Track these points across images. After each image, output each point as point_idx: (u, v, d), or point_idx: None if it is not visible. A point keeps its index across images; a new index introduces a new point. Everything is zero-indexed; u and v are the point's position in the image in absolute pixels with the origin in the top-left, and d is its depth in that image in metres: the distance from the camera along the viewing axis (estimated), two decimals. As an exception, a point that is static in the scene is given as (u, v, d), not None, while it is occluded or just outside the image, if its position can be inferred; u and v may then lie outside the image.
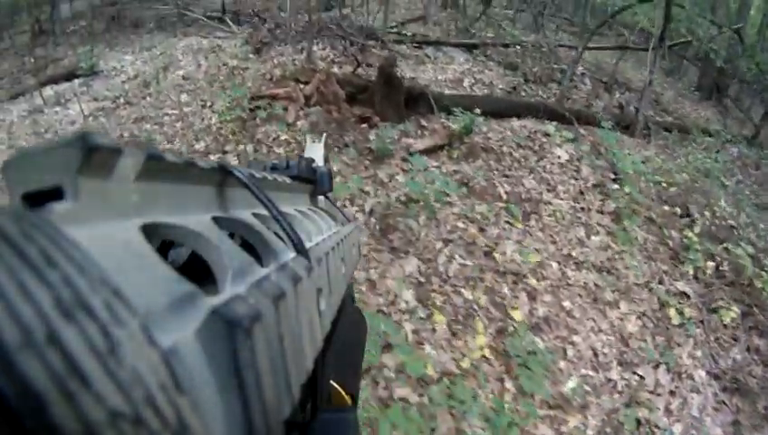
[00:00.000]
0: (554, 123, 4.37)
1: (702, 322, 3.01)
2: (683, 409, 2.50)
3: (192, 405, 0.11)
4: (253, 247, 0.20)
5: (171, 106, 4.46)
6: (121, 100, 4.96)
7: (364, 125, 3.85)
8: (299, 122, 3.74)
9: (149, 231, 0.14)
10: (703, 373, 2.72)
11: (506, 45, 6.47)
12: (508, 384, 2.21)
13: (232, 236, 0.23)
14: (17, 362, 0.07)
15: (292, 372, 0.17)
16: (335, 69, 4.77)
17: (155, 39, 6.92)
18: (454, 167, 3.56)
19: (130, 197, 0.14)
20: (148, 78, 5.30)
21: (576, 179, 3.75)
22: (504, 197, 3.35)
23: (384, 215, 2.90)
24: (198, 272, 0.19)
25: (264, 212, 0.22)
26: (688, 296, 3.11)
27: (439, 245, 2.81)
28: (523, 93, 5.35)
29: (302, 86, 4.02)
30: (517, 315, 2.53)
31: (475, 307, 2.50)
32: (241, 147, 3.51)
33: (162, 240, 0.22)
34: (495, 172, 3.61)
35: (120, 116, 4.56)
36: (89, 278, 0.09)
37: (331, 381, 0.37)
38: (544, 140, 4.12)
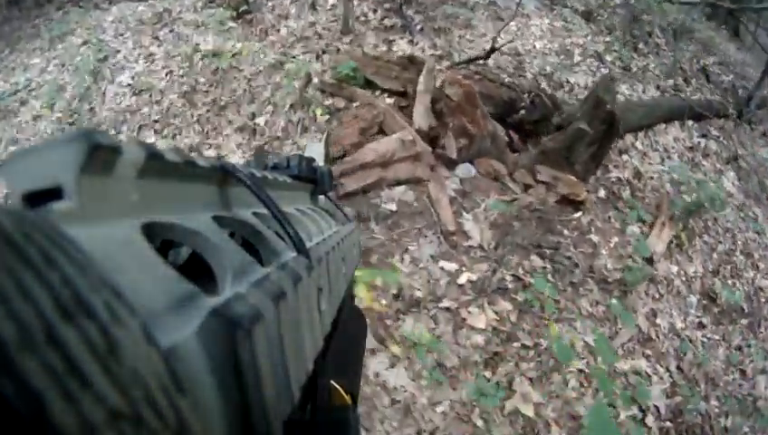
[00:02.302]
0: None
1: None
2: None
3: (192, 405, 0.11)
4: (253, 247, 0.20)
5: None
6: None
7: (577, 214, 2.40)
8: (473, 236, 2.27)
9: (150, 230, 0.14)
10: None
11: None
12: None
13: (232, 235, 0.23)
14: (17, 362, 0.07)
15: (293, 372, 0.17)
16: (379, 42, 3.54)
17: (70, 18, 4.92)
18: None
19: (131, 196, 0.14)
20: (76, 98, 3.58)
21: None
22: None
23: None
24: (199, 271, 0.19)
25: (265, 211, 0.22)
26: None
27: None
28: (620, 63, 4.20)
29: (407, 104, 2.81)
30: None
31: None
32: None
33: (162, 239, 0.22)
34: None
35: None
36: (89, 278, 0.09)
37: (331, 381, 0.37)
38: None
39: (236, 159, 2.80)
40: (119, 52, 4.07)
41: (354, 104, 2.92)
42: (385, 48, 3.52)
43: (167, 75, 3.65)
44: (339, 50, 3.49)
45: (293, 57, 3.50)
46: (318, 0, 4.09)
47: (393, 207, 2.25)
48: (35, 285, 0.08)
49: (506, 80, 3.13)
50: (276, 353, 0.15)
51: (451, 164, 2.52)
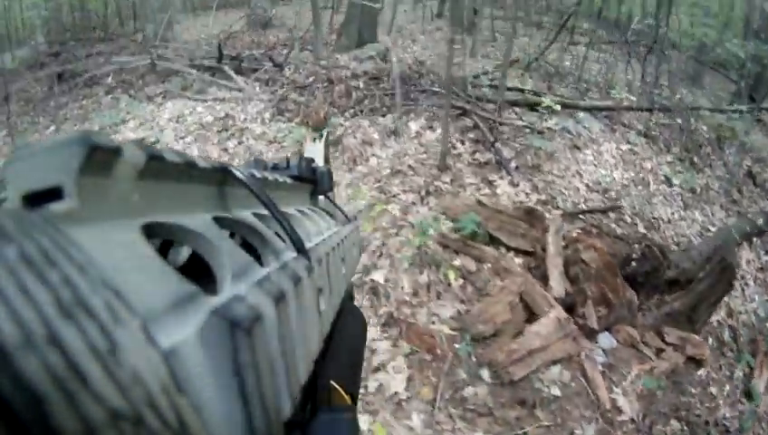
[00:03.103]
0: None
1: None
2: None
3: (192, 405, 0.11)
4: (253, 247, 0.20)
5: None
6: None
7: (700, 371, 2.41)
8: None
9: (150, 231, 0.14)
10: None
11: (648, 109, 4.75)
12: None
13: (232, 235, 0.23)
14: (17, 361, 0.07)
15: (293, 372, 0.17)
16: (478, 181, 3.29)
17: (121, 107, 4.82)
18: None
19: (131, 196, 0.14)
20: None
21: None
22: None
23: None
24: (199, 272, 0.19)
25: (265, 212, 0.22)
26: None
27: None
28: (686, 184, 4.03)
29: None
30: None
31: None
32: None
33: (162, 240, 0.22)
34: None
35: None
36: (89, 278, 0.09)
37: (331, 381, 0.37)
38: None
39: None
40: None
41: (485, 265, 2.62)
42: (487, 190, 3.29)
43: None
44: (438, 190, 3.19)
45: (394, 196, 3.15)
46: (399, 129, 3.89)
47: (557, 392, 2.12)
48: (36, 285, 0.08)
49: (618, 231, 3.04)
50: (276, 354, 0.15)
51: (591, 334, 2.39)
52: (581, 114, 4.42)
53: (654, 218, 3.61)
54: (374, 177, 3.40)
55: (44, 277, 0.09)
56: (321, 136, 0.99)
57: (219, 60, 5.09)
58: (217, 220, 0.19)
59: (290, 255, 0.21)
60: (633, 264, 2.68)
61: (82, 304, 0.09)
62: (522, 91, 4.62)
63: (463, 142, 3.78)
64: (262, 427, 0.14)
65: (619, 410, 2.16)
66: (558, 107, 3.94)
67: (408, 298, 2.46)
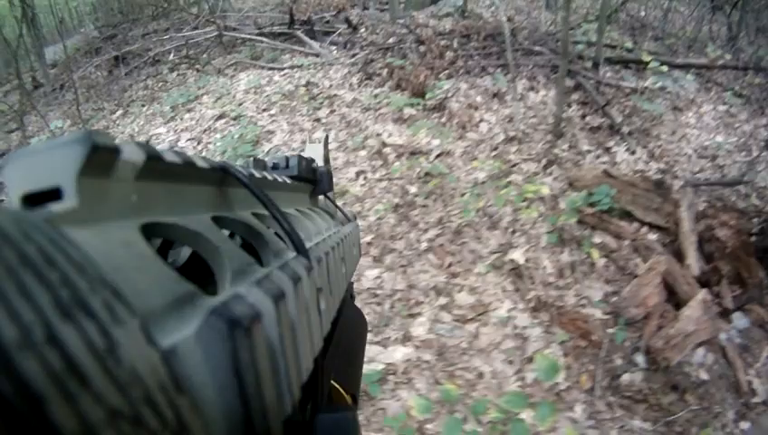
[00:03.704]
0: None
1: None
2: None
3: (191, 405, 0.11)
4: (253, 247, 0.20)
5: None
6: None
7: None
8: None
9: (149, 231, 0.14)
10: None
11: (743, 68, 4.18)
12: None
13: (232, 235, 0.23)
14: (17, 361, 0.07)
15: (292, 372, 0.17)
16: (593, 147, 3.06)
17: (190, 83, 4.51)
18: None
19: (130, 196, 0.14)
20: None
21: None
22: None
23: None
24: (198, 272, 0.19)
25: (265, 212, 0.22)
26: None
27: None
28: None
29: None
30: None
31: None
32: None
33: (162, 240, 0.22)
34: None
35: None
36: (88, 278, 0.09)
37: (332, 381, 0.37)
38: None
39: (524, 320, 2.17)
40: (272, 134, 3.44)
41: (624, 243, 2.46)
42: (606, 158, 3.08)
43: (358, 177, 3.02)
44: (558, 158, 2.92)
45: (514, 166, 2.92)
46: (500, 89, 3.58)
47: (705, 375, 2.08)
48: (35, 284, 0.08)
49: (740, 205, 2.83)
50: (276, 353, 0.15)
51: (725, 314, 2.32)
52: (677, 73, 3.95)
53: (762, 187, 3.29)
54: (488, 144, 3.19)
55: (43, 277, 0.09)
56: (323, 137, 0.99)
57: (290, 25, 4.69)
58: (217, 220, 0.19)
59: (290, 254, 0.21)
60: (753, 238, 2.50)
61: (81, 303, 0.09)
62: (613, 47, 4.20)
63: (569, 105, 3.47)
64: (261, 426, 0.14)
65: (753, 392, 2.11)
66: (665, 68, 3.61)
67: (552, 279, 2.34)
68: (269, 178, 0.27)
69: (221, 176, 0.20)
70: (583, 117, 3.41)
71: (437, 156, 3.08)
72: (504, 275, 2.37)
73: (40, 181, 0.12)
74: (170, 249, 0.24)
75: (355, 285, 2.11)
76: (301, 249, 0.22)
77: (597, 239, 2.49)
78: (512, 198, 2.73)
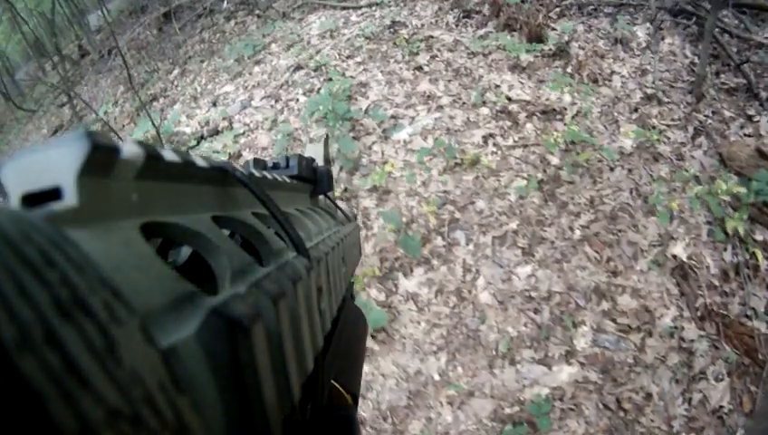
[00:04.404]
0: None
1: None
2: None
3: (191, 405, 0.11)
4: (253, 247, 0.20)
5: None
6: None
7: None
8: None
9: (149, 231, 0.14)
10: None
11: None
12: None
13: (232, 235, 0.23)
14: (16, 361, 0.07)
15: (292, 372, 0.17)
16: (735, 113, 2.68)
17: (254, 31, 3.97)
18: None
19: (130, 196, 0.14)
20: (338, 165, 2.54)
21: None
22: None
23: None
24: (198, 272, 0.19)
25: (265, 211, 0.22)
26: None
27: None
28: None
29: None
30: None
31: None
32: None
33: (162, 240, 0.22)
34: None
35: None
36: (87, 278, 0.09)
37: (332, 381, 0.37)
38: None
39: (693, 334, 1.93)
40: (365, 87, 2.91)
41: None
42: (750, 129, 2.68)
43: (487, 142, 2.57)
44: (704, 127, 2.59)
45: (661, 133, 2.54)
46: (622, 34, 3.14)
47: None
48: (34, 284, 0.08)
49: None
50: (276, 353, 0.15)
51: None
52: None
53: None
54: (626, 103, 2.76)
55: (43, 277, 0.09)
56: (323, 137, 0.99)
57: None
58: (217, 220, 0.19)
59: (290, 254, 0.21)
60: None
61: (81, 303, 0.09)
62: None
63: (699, 57, 2.99)
64: (261, 426, 0.14)
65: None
66: None
67: (717, 282, 2.07)
68: (269, 177, 0.27)
69: (221, 175, 0.20)
70: (717, 75, 2.96)
71: (573, 117, 2.64)
72: (667, 273, 2.11)
73: (40, 181, 0.12)
74: (170, 249, 0.24)
75: (505, 287, 2.05)
76: (301, 249, 0.22)
77: (759, 236, 2.20)
78: (664, 174, 2.41)
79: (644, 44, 3.16)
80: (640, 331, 1.99)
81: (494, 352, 1.97)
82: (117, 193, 0.14)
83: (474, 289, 2.12)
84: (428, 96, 2.83)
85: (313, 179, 0.41)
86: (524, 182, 2.39)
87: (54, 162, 0.12)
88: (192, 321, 0.12)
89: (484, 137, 2.60)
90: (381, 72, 3.04)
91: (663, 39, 3.18)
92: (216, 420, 0.12)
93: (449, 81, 2.93)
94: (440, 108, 2.75)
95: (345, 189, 2.45)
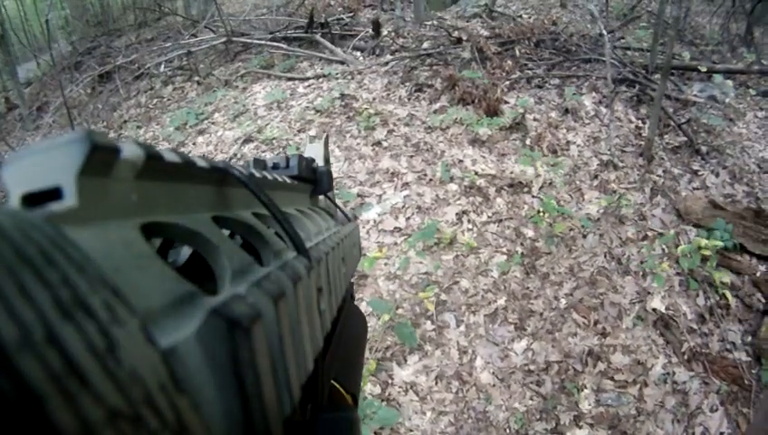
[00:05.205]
0: None
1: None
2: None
3: (191, 405, 0.11)
4: (253, 247, 0.20)
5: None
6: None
7: None
8: None
9: (149, 231, 0.14)
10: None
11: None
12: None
13: (232, 235, 0.23)
14: (16, 361, 0.07)
15: (292, 372, 0.17)
16: (682, 171, 2.94)
17: (191, 97, 4.00)
18: None
19: (130, 196, 0.14)
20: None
21: None
22: None
23: None
24: (199, 272, 0.19)
25: (265, 211, 0.22)
26: None
27: None
28: None
29: None
30: None
31: None
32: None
33: (162, 240, 0.22)
34: None
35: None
36: (88, 278, 0.09)
37: (332, 381, 0.37)
38: None
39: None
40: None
41: (744, 278, 2.44)
42: (696, 183, 2.90)
43: (462, 220, 2.63)
44: (658, 186, 2.82)
45: (621, 197, 2.71)
46: (571, 104, 3.27)
47: None
48: (35, 284, 0.08)
49: None
50: (276, 353, 0.15)
51: None
52: (718, 79, 3.58)
53: None
54: (585, 171, 2.94)
55: (43, 277, 0.09)
56: (323, 137, 0.99)
57: (308, 28, 4.10)
58: (217, 220, 0.19)
59: (290, 254, 0.21)
60: None
61: (81, 303, 0.09)
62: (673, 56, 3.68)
63: (643, 121, 3.23)
64: (261, 426, 0.14)
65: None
66: (719, 76, 3.34)
67: (695, 326, 2.30)
68: (269, 177, 0.27)
69: (221, 176, 0.20)
70: (661, 135, 3.17)
71: (540, 188, 2.78)
72: (650, 326, 2.30)
73: (40, 181, 0.12)
74: (170, 249, 0.24)
75: (504, 364, 2.07)
76: (301, 249, 0.22)
77: (724, 278, 2.42)
78: (631, 235, 2.61)
79: (592, 113, 3.33)
80: (636, 383, 2.14)
81: (507, 431, 1.98)
82: (117, 193, 0.14)
83: (473, 370, 2.13)
84: (392, 173, 2.82)
85: (313, 180, 0.41)
86: (504, 258, 2.49)
87: (54, 162, 0.12)
88: (192, 321, 0.12)
89: (457, 214, 2.65)
90: (338, 147, 3.02)
91: (607, 106, 3.33)
92: (216, 421, 0.12)
93: (411, 156, 2.95)
94: (406, 185, 2.77)
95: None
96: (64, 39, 6.95)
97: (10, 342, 0.07)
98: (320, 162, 0.48)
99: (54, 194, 0.12)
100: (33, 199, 0.12)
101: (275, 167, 0.37)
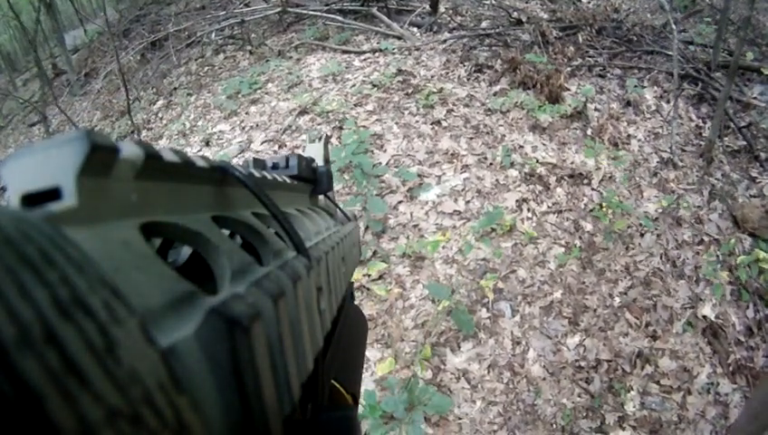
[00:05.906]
0: None
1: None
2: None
3: (191, 404, 0.11)
4: (253, 247, 0.20)
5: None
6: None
7: None
8: None
9: (149, 231, 0.14)
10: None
11: None
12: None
13: (232, 235, 0.23)
14: (16, 361, 0.07)
15: (292, 371, 0.17)
16: (740, 175, 2.83)
17: (243, 65, 3.91)
18: None
19: (130, 196, 0.14)
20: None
21: None
22: None
23: None
24: (198, 271, 0.19)
25: (264, 211, 0.22)
26: None
27: None
28: None
29: None
30: None
31: None
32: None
33: (162, 240, 0.22)
34: None
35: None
36: (87, 278, 0.09)
37: (332, 381, 0.37)
38: None
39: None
40: (380, 138, 2.76)
41: None
42: (754, 189, 2.83)
43: (521, 208, 2.56)
44: (716, 190, 2.72)
45: (680, 197, 2.63)
46: (633, 97, 3.17)
47: None
48: (34, 284, 0.08)
49: None
50: (276, 352, 0.15)
51: None
52: None
53: None
54: (645, 168, 2.84)
55: (43, 277, 0.09)
56: (323, 137, 0.99)
57: (365, 1, 3.94)
58: (217, 220, 0.19)
59: (290, 254, 0.21)
60: None
61: (81, 303, 0.09)
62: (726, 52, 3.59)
63: (704, 120, 3.14)
64: (261, 425, 0.14)
65: None
66: None
67: (742, 338, 2.27)
68: (269, 177, 0.27)
69: (221, 175, 0.20)
70: (720, 138, 3.05)
71: (600, 181, 2.72)
72: (699, 334, 2.28)
73: (39, 181, 0.12)
74: (170, 249, 0.24)
75: (556, 358, 2.06)
76: (301, 249, 0.22)
77: None
78: (687, 238, 2.55)
79: (653, 107, 3.23)
80: (681, 390, 2.13)
81: (553, 426, 1.96)
82: (116, 193, 0.14)
83: (525, 362, 2.11)
84: (452, 154, 2.77)
85: (313, 179, 0.41)
86: (562, 250, 2.45)
87: (54, 162, 0.12)
88: (191, 320, 0.12)
89: (517, 201, 2.60)
90: (396, 123, 2.93)
91: (669, 102, 3.22)
92: (216, 420, 0.12)
93: (471, 138, 2.88)
94: (466, 167, 2.72)
95: (375, 253, 2.33)
96: (111, 7, 6.85)
97: (9, 341, 0.07)
98: (320, 162, 0.48)
99: (54, 194, 0.12)
100: (33, 199, 0.12)
101: (275, 167, 0.37)
